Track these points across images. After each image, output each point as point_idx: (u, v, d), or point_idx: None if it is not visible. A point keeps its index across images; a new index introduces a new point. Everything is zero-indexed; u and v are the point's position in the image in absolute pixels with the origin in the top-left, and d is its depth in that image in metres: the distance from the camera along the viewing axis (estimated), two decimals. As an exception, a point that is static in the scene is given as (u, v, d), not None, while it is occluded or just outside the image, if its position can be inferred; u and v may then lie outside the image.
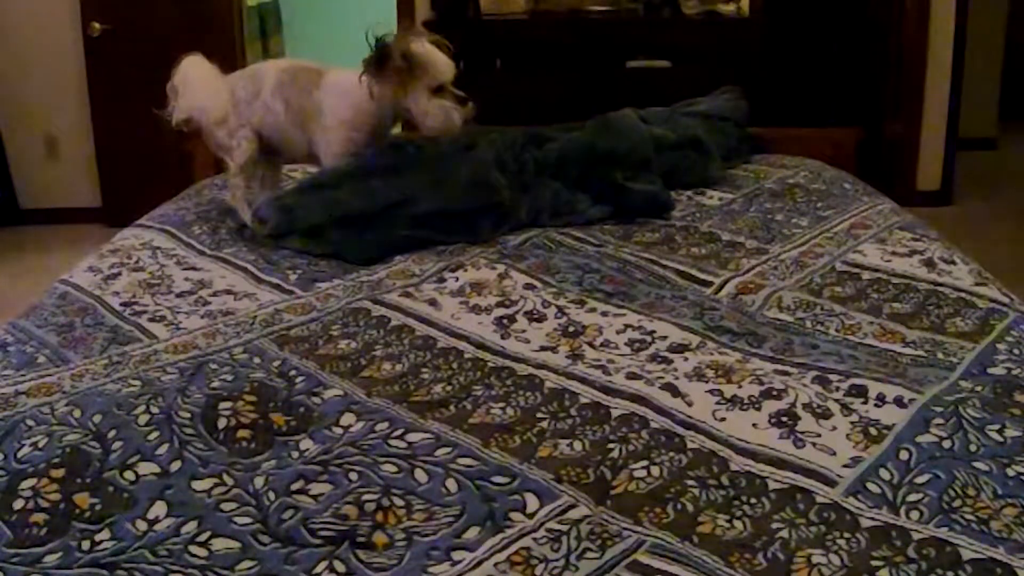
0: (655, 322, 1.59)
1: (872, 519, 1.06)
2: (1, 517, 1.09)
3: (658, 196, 2.24)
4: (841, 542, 1.02)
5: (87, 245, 2.62)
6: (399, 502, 1.10)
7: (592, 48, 4.50)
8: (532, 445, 1.21)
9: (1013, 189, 5.38)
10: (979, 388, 1.32)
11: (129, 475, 1.16)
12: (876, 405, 1.28)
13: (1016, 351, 1.45)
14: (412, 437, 1.23)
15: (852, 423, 1.24)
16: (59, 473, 1.16)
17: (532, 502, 1.10)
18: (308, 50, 6.27)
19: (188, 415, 1.28)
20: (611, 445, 1.21)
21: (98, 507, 1.10)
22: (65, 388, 1.38)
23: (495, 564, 1.00)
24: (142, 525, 1.07)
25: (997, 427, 1.22)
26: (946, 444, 1.19)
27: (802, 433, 1.23)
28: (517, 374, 1.41)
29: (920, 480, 1.12)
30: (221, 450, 1.21)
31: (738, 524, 1.06)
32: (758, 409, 1.28)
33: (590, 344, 1.51)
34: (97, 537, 1.06)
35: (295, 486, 1.13)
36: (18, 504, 1.11)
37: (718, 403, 1.30)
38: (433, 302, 1.69)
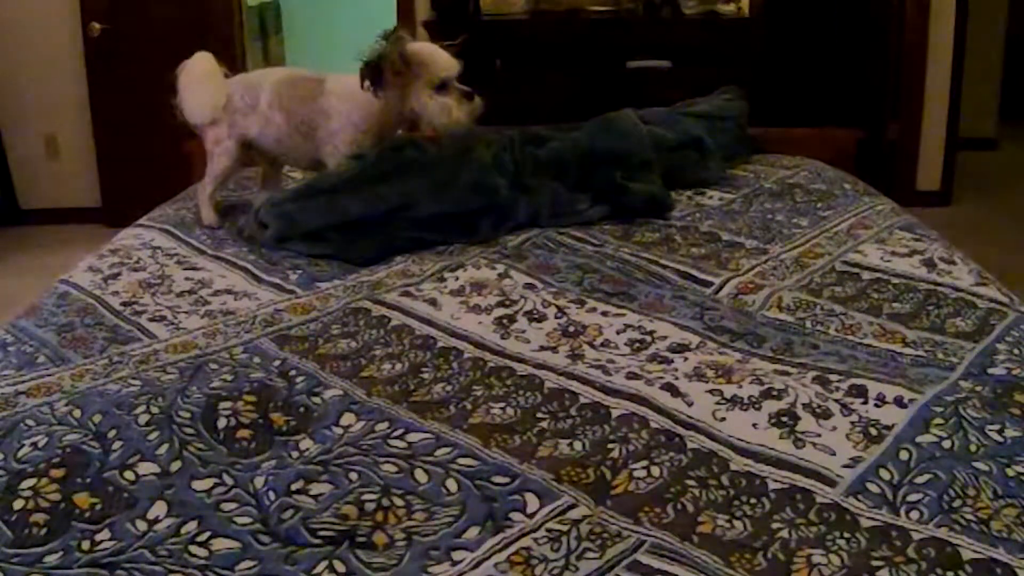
0: (655, 322, 1.59)
1: (872, 519, 1.06)
2: (1, 517, 1.08)
3: (658, 196, 2.24)
4: (841, 542, 1.02)
5: (87, 245, 2.61)
6: (399, 502, 1.10)
7: (592, 48, 4.50)
8: (532, 445, 1.21)
9: (1013, 189, 5.38)
10: (979, 388, 1.32)
11: (129, 475, 1.16)
12: (876, 405, 1.28)
13: (1016, 351, 1.45)
14: (412, 437, 1.23)
15: (852, 423, 1.24)
16: (59, 473, 1.16)
17: (532, 502, 1.10)
18: (308, 50, 6.28)
19: (188, 415, 1.28)
20: (611, 445, 1.21)
21: (98, 507, 1.10)
22: (65, 388, 1.38)
23: (495, 564, 1.00)
24: (142, 525, 1.07)
25: (997, 427, 1.22)
26: (946, 444, 1.19)
27: (802, 433, 1.23)
28: (517, 374, 1.41)
29: (920, 480, 1.12)
30: (221, 450, 1.21)
31: (738, 524, 1.06)
32: (758, 409, 1.28)
33: (590, 344, 1.51)
34: (97, 537, 1.05)
35: (295, 486, 1.13)
36: (18, 504, 1.10)
37: (718, 403, 1.30)
38: (433, 302, 1.69)
